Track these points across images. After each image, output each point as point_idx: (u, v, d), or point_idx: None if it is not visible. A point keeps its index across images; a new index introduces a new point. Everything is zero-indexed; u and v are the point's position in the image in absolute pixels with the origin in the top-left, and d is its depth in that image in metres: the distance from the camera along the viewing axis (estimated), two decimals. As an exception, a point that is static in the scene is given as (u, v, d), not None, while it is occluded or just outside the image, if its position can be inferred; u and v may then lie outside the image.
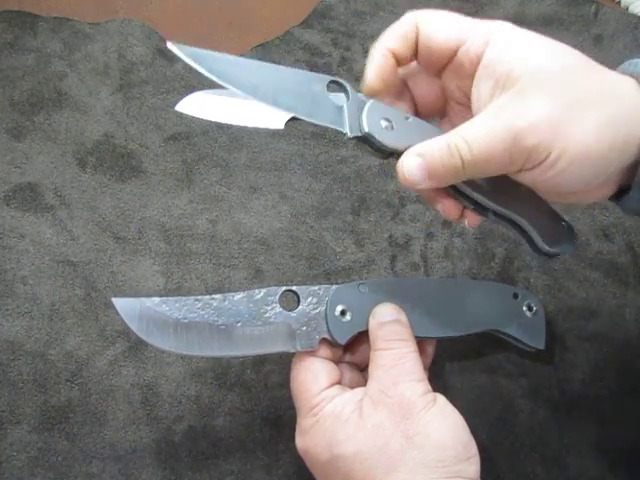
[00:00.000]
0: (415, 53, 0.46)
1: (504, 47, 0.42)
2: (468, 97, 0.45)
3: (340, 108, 0.45)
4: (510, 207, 0.46)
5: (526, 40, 0.42)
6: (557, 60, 0.42)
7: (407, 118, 0.46)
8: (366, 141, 0.45)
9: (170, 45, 0.43)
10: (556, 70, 0.41)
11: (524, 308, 0.56)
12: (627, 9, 0.84)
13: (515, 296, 0.56)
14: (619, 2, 0.84)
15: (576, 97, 0.40)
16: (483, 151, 0.41)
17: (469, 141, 0.41)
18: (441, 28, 0.45)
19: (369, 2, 0.79)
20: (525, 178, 0.43)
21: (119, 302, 0.46)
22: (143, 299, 0.47)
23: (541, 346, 0.57)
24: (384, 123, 0.45)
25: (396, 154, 0.45)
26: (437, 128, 0.46)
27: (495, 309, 0.55)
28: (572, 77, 0.41)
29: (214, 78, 0.44)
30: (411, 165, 0.43)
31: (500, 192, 0.46)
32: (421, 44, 0.45)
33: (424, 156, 0.42)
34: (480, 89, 0.43)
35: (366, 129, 0.44)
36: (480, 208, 0.47)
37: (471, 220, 0.48)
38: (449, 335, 0.53)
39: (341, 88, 0.46)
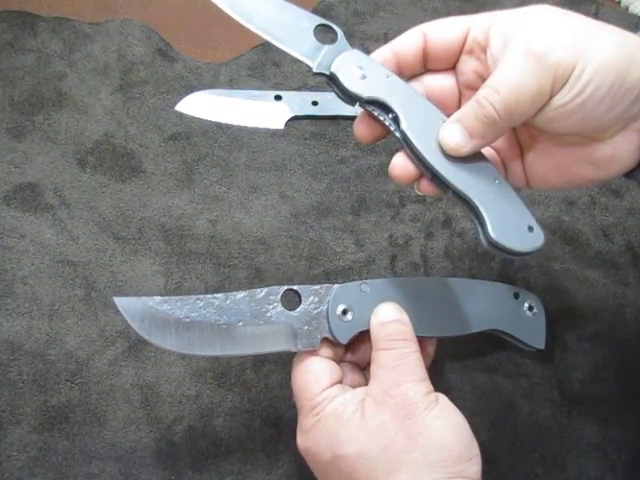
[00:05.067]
0: (422, 61, 0.46)
1: (510, 14, 0.44)
2: (483, 79, 0.45)
3: (320, 47, 0.45)
4: (470, 190, 0.44)
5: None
6: (561, 12, 0.43)
7: (387, 76, 0.45)
8: (332, 81, 0.45)
9: None
10: (560, 14, 0.42)
11: (525, 308, 0.56)
12: (627, 9, 0.84)
13: (516, 296, 0.56)
14: (619, 2, 0.84)
15: (586, 22, 0.42)
16: (510, 87, 0.41)
17: (495, 86, 0.41)
18: (446, 23, 0.46)
19: (369, 2, 0.79)
20: (554, 109, 0.42)
21: (121, 301, 0.46)
22: (145, 298, 0.46)
23: (541, 346, 0.57)
24: (357, 72, 0.44)
25: (360, 102, 0.44)
26: (414, 89, 0.46)
27: (496, 309, 0.55)
28: (579, 16, 0.43)
29: None
30: (450, 131, 0.43)
31: (463, 172, 0.44)
32: (432, 42, 0.45)
33: (460, 120, 0.43)
34: (493, 49, 0.44)
35: (333, 69, 0.44)
36: (440, 183, 0.45)
37: (425, 187, 0.46)
38: (450, 335, 0.53)
39: (334, 34, 0.46)
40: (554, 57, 0.40)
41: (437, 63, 0.47)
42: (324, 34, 0.46)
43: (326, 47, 0.45)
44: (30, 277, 0.60)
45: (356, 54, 0.45)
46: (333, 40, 0.46)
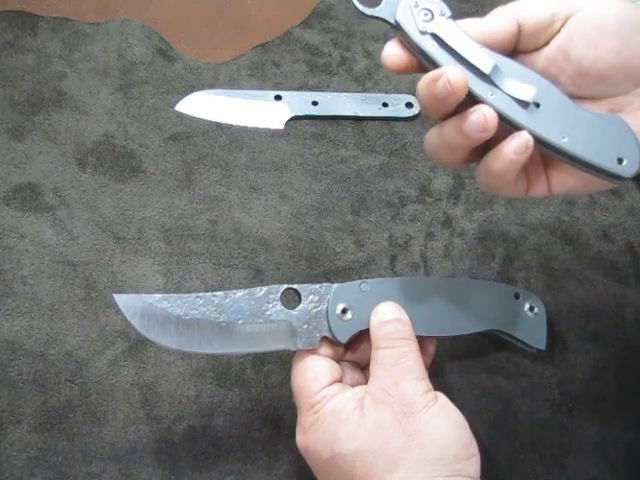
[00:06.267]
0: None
1: None
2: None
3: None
4: None
5: None
6: None
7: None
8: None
9: None
10: None
11: (525, 308, 0.56)
12: (626, 10, 0.84)
13: (516, 296, 0.56)
14: (618, 3, 0.84)
15: None
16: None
17: None
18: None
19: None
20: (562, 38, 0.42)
21: (120, 298, 0.46)
22: (144, 295, 0.47)
23: (542, 346, 0.57)
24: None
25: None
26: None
27: (496, 309, 0.55)
28: None
29: None
30: None
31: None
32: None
33: None
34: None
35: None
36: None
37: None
38: (450, 334, 0.53)
39: None
40: None
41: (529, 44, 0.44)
42: None
43: None
44: (30, 277, 0.60)
45: None
46: None
